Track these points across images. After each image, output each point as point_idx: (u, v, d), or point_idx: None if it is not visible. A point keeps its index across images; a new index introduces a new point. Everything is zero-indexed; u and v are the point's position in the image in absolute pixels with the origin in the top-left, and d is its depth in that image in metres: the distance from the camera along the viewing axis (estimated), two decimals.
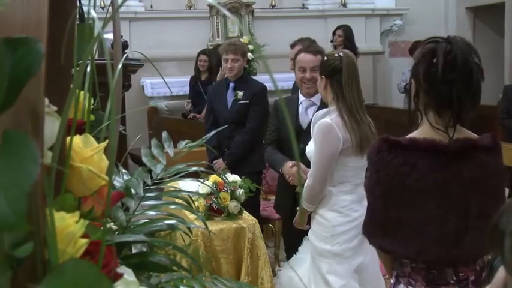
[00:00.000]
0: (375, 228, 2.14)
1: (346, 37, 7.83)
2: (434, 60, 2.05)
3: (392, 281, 2.27)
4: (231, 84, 4.94)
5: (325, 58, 3.30)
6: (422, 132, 2.14)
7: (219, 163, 4.77)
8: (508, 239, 0.81)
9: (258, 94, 4.87)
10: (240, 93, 4.85)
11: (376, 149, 2.11)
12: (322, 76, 3.26)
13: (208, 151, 4.68)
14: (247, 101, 4.85)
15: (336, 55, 3.26)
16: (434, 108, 2.10)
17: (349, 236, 3.19)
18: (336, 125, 3.15)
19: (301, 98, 3.84)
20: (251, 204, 4.34)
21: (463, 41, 2.09)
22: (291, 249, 3.73)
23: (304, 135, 3.57)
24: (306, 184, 3.25)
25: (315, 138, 3.19)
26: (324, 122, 3.17)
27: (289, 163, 3.72)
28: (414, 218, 2.06)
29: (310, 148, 3.25)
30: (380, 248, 2.17)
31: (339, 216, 3.21)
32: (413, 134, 2.16)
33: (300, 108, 3.83)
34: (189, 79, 7.94)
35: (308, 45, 4.05)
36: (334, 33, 8.06)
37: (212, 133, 1.34)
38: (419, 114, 2.15)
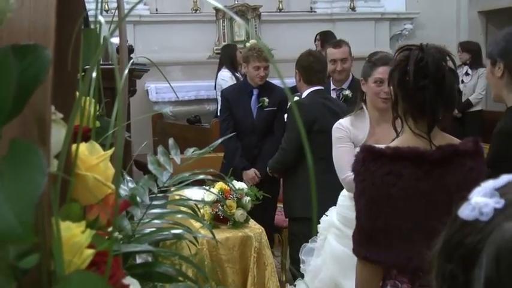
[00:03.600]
0: (360, 238, 2.21)
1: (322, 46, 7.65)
2: (408, 68, 2.16)
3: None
4: (255, 91, 4.85)
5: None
6: (405, 139, 2.24)
7: (252, 176, 4.75)
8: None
9: (285, 100, 4.84)
10: (267, 100, 4.80)
11: (361, 159, 2.20)
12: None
13: (227, 159, 4.69)
14: (275, 108, 4.81)
15: None
16: (412, 114, 2.21)
17: None
18: None
19: None
20: (267, 216, 4.41)
21: (436, 48, 2.19)
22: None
23: None
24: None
25: None
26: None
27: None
28: (401, 227, 2.14)
29: None
30: (365, 259, 2.21)
31: None
32: (396, 142, 2.26)
33: None
34: (194, 84, 7.95)
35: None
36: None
37: (223, 139, 1.33)
38: (400, 120, 2.26)
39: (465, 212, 0.84)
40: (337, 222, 3.23)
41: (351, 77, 4.73)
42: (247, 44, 7.61)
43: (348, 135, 3.25)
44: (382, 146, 2.26)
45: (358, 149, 2.95)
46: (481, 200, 0.83)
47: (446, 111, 2.20)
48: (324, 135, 3.95)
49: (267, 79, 4.96)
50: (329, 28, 9.18)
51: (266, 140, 4.80)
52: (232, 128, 4.80)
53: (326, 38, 7.70)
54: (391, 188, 2.13)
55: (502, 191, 0.84)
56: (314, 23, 9.11)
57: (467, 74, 7.96)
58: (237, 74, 6.93)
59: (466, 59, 7.97)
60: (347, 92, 4.61)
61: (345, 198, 3.21)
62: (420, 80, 2.14)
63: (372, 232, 2.17)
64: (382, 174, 2.14)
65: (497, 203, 0.82)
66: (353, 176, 2.26)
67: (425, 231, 2.12)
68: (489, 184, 0.86)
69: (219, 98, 7.06)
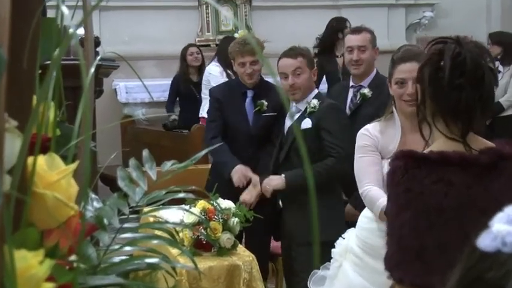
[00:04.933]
0: (404, 261, 2.22)
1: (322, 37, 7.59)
2: (442, 63, 2.22)
3: None
4: (249, 92, 4.81)
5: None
6: (440, 146, 2.29)
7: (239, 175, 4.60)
8: None
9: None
10: (266, 104, 4.74)
11: (403, 166, 2.22)
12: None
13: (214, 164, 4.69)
14: (274, 113, 4.75)
15: None
16: (443, 116, 2.27)
17: None
18: None
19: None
20: (260, 241, 4.40)
21: (473, 42, 2.27)
22: None
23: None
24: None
25: None
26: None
27: None
28: (454, 241, 2.16)
29: None
30: (412, 285, 2.21)
31: None
32: (433, 148, 2.30)
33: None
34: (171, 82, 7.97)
35: (291, 48, 4.37)
36: None
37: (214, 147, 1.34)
38: (427, 124, 2.32)
39: (485, 241, 0.84)
40: (356, 248, 3.23)
41: (374, 73, 4.68)
42: (236, 35, 7.63)
43: (375, 144, 3.26)
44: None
45: (388, 158, 2.83)
46: (504, 228, 0.83)
47: (482, 115, 2.27)
48: None
49: (266, 78, 4.93)
50: (333, 16, 9.25)
51: (264, 152, 4.75)
52: (219, 132, 4.75)
53: (340, 26, 7.71)
54: (442, 198, 2.18)
55: None
56: (315, 10, 9.15)
57: (497, 71, 8.00)
58: (228, 71, 6.95)
59: (496, 54, 8.00)
60: (365, 91, 4.53)
61: (368, 220, 3.21)
62: (456, 77, 2.19)
63: (420, 251, 2.19)
64: (431, 182, 2.19)
65: None
66: (391, 188, 2.28)
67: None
68: None
69: (204, 96, 7.12)
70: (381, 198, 3.00)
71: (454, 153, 2.21)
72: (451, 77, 2.19)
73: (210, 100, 5.02)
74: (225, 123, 4.79)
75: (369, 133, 3.28)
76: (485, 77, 2.21)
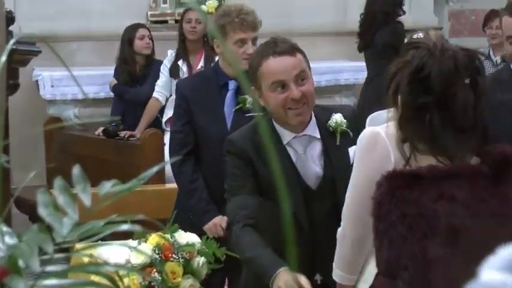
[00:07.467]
0: None
1: (367, 10, 7.65)
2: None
3: None
4: (231, 84, 4.67)
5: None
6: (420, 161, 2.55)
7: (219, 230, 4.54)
8: None
9: None
10: (250, 100, 4.54)
11: (388, 190, 2.46)
12: None
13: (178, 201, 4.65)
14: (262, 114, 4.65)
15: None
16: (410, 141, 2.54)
17: None
18: (388, 137, 2.98)
19: (286, 135, 3.64)
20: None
21: (456, 52, 2.45)
22: None
23: (316, 196, 3.56)
24: (338, 235, 3.22)
25: (355, 157, 3.17)
26: (368, 130, 3.09)
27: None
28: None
29: None
30: None
31: None
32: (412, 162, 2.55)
33: (292, 153, 3.63)
34: (113, 72, 7.96)
35: (274, 41, 3.70)
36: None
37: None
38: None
39: None
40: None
41: None
42: (203, 7, 7.65)
43: None
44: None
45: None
46: (497, 277, 0.83)
47: (472, 135, 2.47)
48: None
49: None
50: None
51: None
52: (191, 146, 4.68)
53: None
54: (451, 216, 2.41)
55: None
56: None
57: None
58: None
59: None
60: None
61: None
62: (419, 96, 2.42)
63: None
64: (430, 200, 2.41)
65: None
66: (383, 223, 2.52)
67: None
68: (510, 252, 0.86)
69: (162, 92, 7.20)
70: None
71: (448, 166, 2.41)
72: (410, 95, 2.43)
73: (175, 99, 4.95)
74: (195, 129, 4.68)
75: None
76: (458, 96, 2.40)
